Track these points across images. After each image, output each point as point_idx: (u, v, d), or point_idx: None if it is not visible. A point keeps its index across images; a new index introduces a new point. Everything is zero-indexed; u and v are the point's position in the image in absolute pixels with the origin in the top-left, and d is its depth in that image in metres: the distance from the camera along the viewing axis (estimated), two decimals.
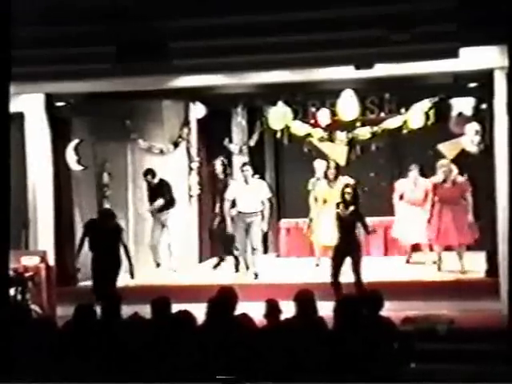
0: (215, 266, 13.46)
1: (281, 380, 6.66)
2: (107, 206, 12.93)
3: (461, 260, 11.89)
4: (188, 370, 6.77)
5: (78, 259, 11.54)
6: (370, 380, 6.63)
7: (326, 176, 12.68)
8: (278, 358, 6.82)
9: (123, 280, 11.29)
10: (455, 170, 12.07)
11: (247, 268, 12.48)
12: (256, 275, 12.26)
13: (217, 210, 13.23)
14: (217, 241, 13.61)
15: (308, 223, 13.04)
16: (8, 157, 7.37)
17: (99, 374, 6.83)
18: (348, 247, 10.65)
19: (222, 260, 13.45)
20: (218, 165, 13.25)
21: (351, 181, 12.77)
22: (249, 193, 12.46)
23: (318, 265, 12.71)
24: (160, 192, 12.90)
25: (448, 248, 12.14)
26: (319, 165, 13.03)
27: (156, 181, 12.91)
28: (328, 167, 12.75)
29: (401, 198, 12.79)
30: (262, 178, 14.04)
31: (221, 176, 13.20)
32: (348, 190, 10.80)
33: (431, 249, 12.51)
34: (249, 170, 12.61)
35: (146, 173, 12.95)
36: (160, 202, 12.83)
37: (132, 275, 11.18)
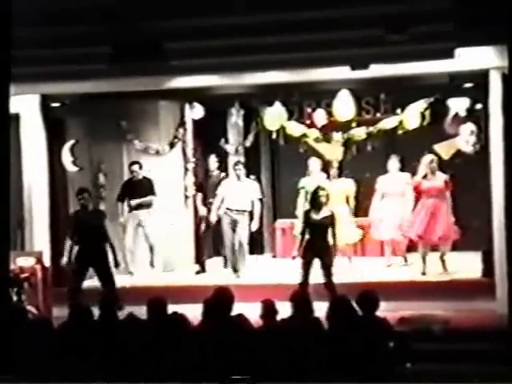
0: (197, 273, 13.27)
1: (277, 380, 6.66)
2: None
3: (443, 262, 11.77)
4: (184, 371, 6.78)
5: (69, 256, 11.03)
6: (365, 380, 6.64)
7: (328, 175, 12.69)
8: (274, 358, 6.83)
9: (120, 281, 11.29)
10: (437, 169, 12.03)
11: (233, 268, 12.53)
12: (242, 274, 12.35)
13: (202, 212, 13.18)
14: (208, 243, 13.54)
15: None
16: (8, 158, 7.38)
17: (96, 374, 6.83)
18: (318, 250, 10.49)
19: (203, 269, 13.32)
20: (212, 161, 13.22)
21: (351, 183, 12.80)
22: (239, 191, 12.48)
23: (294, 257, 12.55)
24: (142, 189, 12.76)
25: (433, 248, 12.07)
26: (314, 163, 12.99)
27: (140, 176, 12.83)
28: (331, 166, 12.80)
29: (382, 197, 12.67)
30: (258, 178, 14.06)
31: (215, 172, 13.15)
32: (322, 193, 10.65)
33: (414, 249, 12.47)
34: (241, 168, 12.65)
35: (131, 163, 12.85)
36: (152, 198, 12.76)
37: (116, 265, 11.02)
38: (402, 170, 12.66)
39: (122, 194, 12.88)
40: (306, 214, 10.70)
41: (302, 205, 12.66)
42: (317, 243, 10.52)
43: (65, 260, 10.97)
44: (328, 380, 6.55)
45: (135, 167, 12.79)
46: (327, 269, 10.44)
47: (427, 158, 12.01)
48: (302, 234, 10.68)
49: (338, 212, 11.14)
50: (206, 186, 13.17)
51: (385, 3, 8.99)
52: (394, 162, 12.60)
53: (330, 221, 10.55)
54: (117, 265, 11.03)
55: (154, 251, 12.90)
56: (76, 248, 10.94)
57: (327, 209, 10.59)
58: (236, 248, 12.52)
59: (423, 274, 11.86)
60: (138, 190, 12.78)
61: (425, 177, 11.94)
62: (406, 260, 12.84)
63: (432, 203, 11.86)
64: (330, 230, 10.54)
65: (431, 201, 11.87)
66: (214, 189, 12.80)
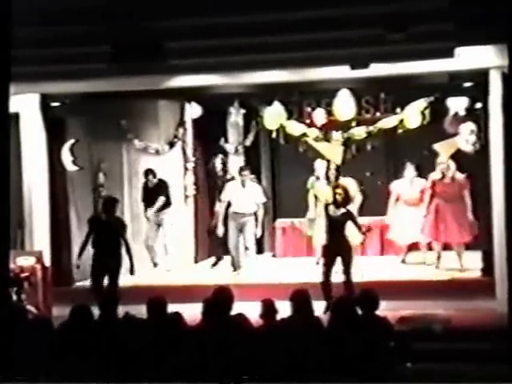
0: (213, 265, 13.47)
1: (277, 380, 6.66)
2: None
3: (460, 259, 11.93)
4: (184, 371, 6.78)
5: (80, 257, 11.02)
6: (366, 380, 6.64)
7: (327, 177, 12.73)
8: (274, 358, 6.82)
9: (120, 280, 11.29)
10: (453, 167, 12.12)
11: (237, 267, 12.59)
12: (244, 273, 12.39)
13: (216, 208, 13.25)
14: (215, 240, 13.58)
15: (308, 223, 13.05)
16: (7, 157, 7.37)
17: (96, 374, 6.83)
18: (338, 247, 10.62)
19: (219, 259, 13.46)
20: (218, 162, 13.31)
21: (351, 182, 12.81)
22: (244, 195, 12.54)
23: (318, 263, 12.66)
24: (158, 192, 12.95)
25: (447, 247, 12.17)
26: (319, 165, 13.01)
27: (155, 181, 12.94)
28: (328, 168, 12.83)
29: (397, 200, 12.82)
30: (258, 178, 14.07)
31: (220, 173, 13.24)
32: (339, 190, 10.78)
33: (430, 248, 12.52)
34: (247, 174, 12.69)
35: (146, 173, 12.98)
36: (161, 199, 12.90)
37: (132, 272, 11.05)
38: (419, 175, 12.74)
39: (144, 199, 13.11)
40: (326, 211, 10.80)
41: (314, 205, 12.70)
42: (335, 240, 10.65)
43: (77, 261, 11.03)
44: (328, 380, 6.55)
45: (150, 177, 12.94)
46: (347, 266, 10.55)
47: (440, 160, 12.10)
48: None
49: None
50: (212, 188, 13.26)
51: (385, 2, 8.98)
52: (409, 170, 12.74)
53: (348, 218, 10.67)
54: (132, 271, 11.06)
55: (168, 252, 13.01)
56: (92, 252, 10.98)
57: (345, 207, 10.72)
58: (241, 249, 12.59)
59: (437, 267, 12.06)
60: (154, 193, 12.96)
61: (441, 179, 12.01)
62: (404, 260, 12.90)
63: (441, 206, 11.96)
64: (345, 228, 10.66)
65: (441, 203, 11.96)
66: (220, 190, 12.93)
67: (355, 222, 10.76)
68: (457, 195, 11.98)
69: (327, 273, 10.64)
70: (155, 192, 12.98)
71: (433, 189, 12.14)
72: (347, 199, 10.79)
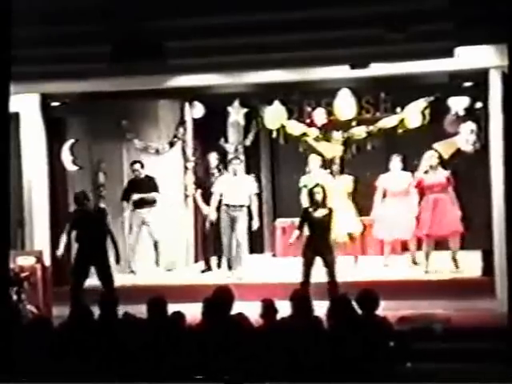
0: (203, 271, 13.33)
1: (277, 380, 6.66)
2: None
3: (454, 259, 11.90)
4: (184, 371, 6.79)
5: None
6: (366, 380, 6.64)
7: (331, 171, 12.72)
8: (273, 357, 6.82)
9: (119, 280, 11.29)
10: (439, 165, 12.13)
11: (229, 266, 12.51)
12: (238, 272, 12.31)
13: (204, 211, 13.16)
14: (211, 241, 13.53)
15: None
16: (8, 157, 7.37)
17: (96, 374, 6.83)
18: (319, 248, 10.50)
19: (209, 267, 13.35)
20: (213, 159, 13.29)
21: (350, 180, 12.83)
22: (236, 186, 12.46)
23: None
24: (145, 187, 12.86)
25: (439, 245, 12.14)
26: (313, 160, 12.98)
27: (143, 175, 12.90)
28: (333, 162, 12.82)
29: (384, 196, 12.72)
30: (258, 177, 14.08)
31: (214, 171, 13.20)
32: (318, 190, 10.67)
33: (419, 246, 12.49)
34: (238, 163, 12.69)
35: (133, 162, 12.95)
36: (154, 195, 12.86)
37: (118, 261, 11.02)
38: (404, 169, 12.70)
39: (126, 193, 12.98)
40: (305, 211, 10.71)
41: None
42: (317, 241, 10.53)
43: (60, 253, 10.98)
44: (328, 380, 6.55)
45: (137, 166, 12.89)
46: (330, 267, 10.47)
47: (428, 154, 12.11)
48: (299, 228, 10.70)
49: (341, 206, 11.15)
50: (206, 184, 13.17)
51: (385, 2, 8.97)
52: (395, 162, 12.64)
53: (329, 218, 10.57)
54: (118, 260, 11.02)
55: (159, 249, 12.96)
56: (76, 246, 10.97)
57: (326, 207, 10.62)
58: (234, 246, 12.54)
59: (426, 272, 11.92)
60: (142, 188, 12.88)
61: (426, 172, 12.03)
62: (414, 261, 12.76)
63: (436, 199, 11.96)
64: (329, 228, 10.58)
65: (435, 197, 11.97)
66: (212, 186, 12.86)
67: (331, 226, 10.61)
68: (443, 187, 11.98)
69: (306, 274, 10.48)
70: (142, 186, 12.85)
71: (420, 185, 12.14)
72: (325, 199, 10.71)
